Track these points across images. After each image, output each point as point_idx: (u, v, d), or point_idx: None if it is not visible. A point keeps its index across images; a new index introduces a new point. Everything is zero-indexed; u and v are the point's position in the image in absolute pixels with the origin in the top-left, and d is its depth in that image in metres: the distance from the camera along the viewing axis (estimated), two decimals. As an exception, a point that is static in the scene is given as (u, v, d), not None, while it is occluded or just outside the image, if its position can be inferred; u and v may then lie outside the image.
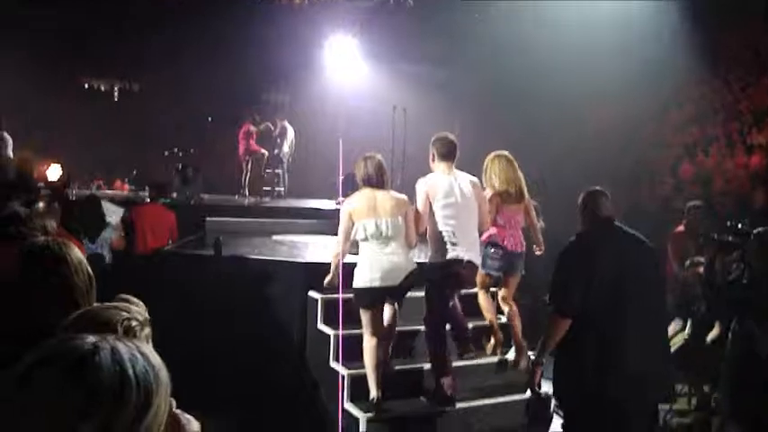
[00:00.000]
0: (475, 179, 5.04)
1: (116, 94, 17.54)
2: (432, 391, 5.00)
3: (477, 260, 4.94)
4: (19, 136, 11.22)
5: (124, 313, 1.67)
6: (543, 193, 8.45)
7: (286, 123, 11.78)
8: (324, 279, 4.91)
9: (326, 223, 8.25)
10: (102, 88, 17.67)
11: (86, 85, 17.37)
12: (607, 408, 3.50)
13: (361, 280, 4.70)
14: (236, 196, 11.21)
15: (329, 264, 4.92)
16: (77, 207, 7.25)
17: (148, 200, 8.11)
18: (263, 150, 11.67)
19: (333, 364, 5.22)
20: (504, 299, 5.55)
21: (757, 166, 11.01)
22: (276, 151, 11.59)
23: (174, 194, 9.49)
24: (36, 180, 9.30)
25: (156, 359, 1.00)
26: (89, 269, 2.27)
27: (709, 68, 13.02)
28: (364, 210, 4.66)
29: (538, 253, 5.65)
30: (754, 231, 5.01)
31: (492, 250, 5.30)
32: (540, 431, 4.98)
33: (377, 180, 4.76)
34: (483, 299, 5.50)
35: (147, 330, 1.73)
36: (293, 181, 11.97)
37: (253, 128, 11.67)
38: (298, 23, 12.57)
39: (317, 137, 13.44)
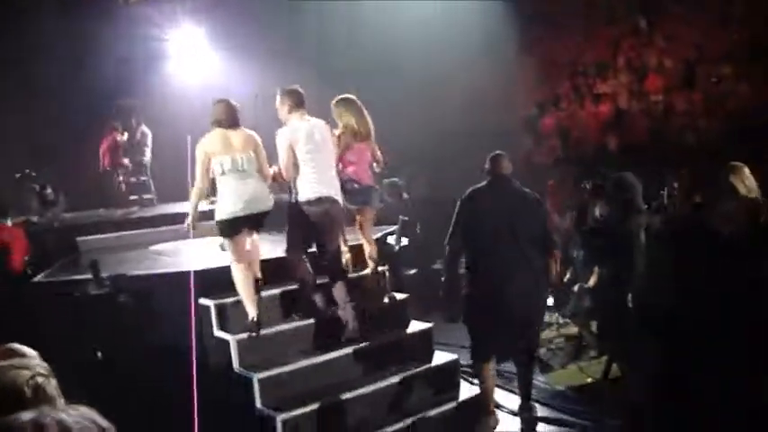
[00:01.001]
0: (323, 122, 5.52)
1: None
2: (304, 307, 5.58)
3: (338, 196, 5.43)
4: None
5: (25, 372, 1.51)
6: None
7: (144, 128, 11.33)
8: (212, 284, 4.92)
9: (203, 225, 8.00)
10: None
11: None
12: (486, 309, 5.03)
13: (224, 212, 5.14)
14: (101, 210, 10.65)
15: (216, 268, 4.92)
16: None
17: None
18: (126, 160, 11.17)
19: (237, 370, 5.16)
20: (362, 228, 6.01)
21: (606, 113, 11.80)
22: (140, 158, 11.15)
23: (35, 218, 8.88)
24: None
25: (103, 420, 0.92)
26: None
27: (550, 26, 13.66)
28: (219, 147, 5.11)
29: (378, 170, 6.09)
30: (610, 177, 5.40)
31: (349, 186, 5.72)
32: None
33: (227, 120, 5.21)
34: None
35: (54, 381, 1.60)
36: (159, 186, 11.53)
37: (120, 138, 11.12)
38: (137, 19, 12.02)
39: (177, 136, 12.89)
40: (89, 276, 6.00)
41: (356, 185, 5.76)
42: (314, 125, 5.39)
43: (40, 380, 1.50)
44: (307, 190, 5.28)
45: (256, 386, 4.98)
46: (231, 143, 5.15)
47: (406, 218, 6.78)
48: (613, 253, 5.17)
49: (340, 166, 5.72)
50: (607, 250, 5.23)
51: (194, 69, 12.49)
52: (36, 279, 6.56)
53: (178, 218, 9.07)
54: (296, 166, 5.29)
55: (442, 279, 5.46)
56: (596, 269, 5.96)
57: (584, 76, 12.80)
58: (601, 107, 12.04)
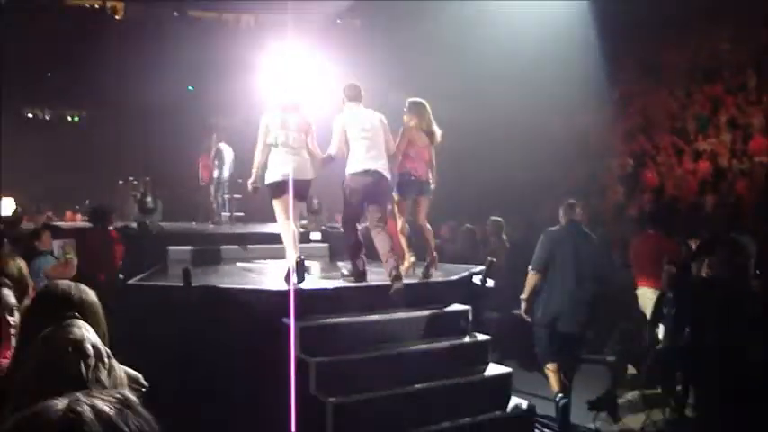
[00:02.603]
0: (381, 115, 6.36)
1: (62, 122, 17.16)
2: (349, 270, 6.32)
3: (386, 174, 6.20)
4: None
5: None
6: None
7: (221, 145, 11.59)
8: (299, 306, 4.98)
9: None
10: (47, 117, 17.27)
11: (29, 115, 16.97)
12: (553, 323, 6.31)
13: (273, 176, 6.08)
14: (193, 223, 11.02)
15: (300, 290, 5.01)
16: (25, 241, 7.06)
17: (92, 227, 7.98)
18: (213, 176, 11.53)
19: (314, 392, 5.17)
20: (418, 218, 6.74)
21: (704, 171, 11.40)
22: (218, 175, 11.43)
23: (134, 224, 9.28)
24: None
25: (143, 410, 0.87)
26: None
27: (654, 79, 13.44)
28: (278, 124, 6.13)
29: (432, 187, 6.76)
30: (718, 241, 5.20)
31: (406, 178, 6.51)
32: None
33: (289, 106, 6.25)
34: (400, 224, 6.78)
35: (115, 366, 1.63)
36: (250, 206, 11.85)
37: (208, 155, 11.52)
38: (241, 45, 12.54)
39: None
40: (180, 284, 6.19)
41: (413, 178, 6.52)
42: (365, 113, 6.31)
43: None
44: (355, 164, 6.12)
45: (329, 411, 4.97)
46: (288, 123, 6.16)
47: (494, 259, 6.72)
48: (721, 316, 4.93)
49: (400, 158, 6.47)
50: (714, 312, 5.00)
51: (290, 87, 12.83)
52: (130, 282, 6.81)
53: (266, 238, 9.37)
54: (347, 145, 6.18)
55: (522, 297, 6.53)
56: (690, 330, 5.71)
57: (684, 131, 12.46)
58: (700, 164, 11.65)
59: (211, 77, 13.48)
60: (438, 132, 6.68)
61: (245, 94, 13.02)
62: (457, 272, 6.99)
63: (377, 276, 6.33)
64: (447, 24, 13.52)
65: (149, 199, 9.62)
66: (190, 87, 15.79)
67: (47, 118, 17.31)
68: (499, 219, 9.35)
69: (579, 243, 6.39)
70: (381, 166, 6.17)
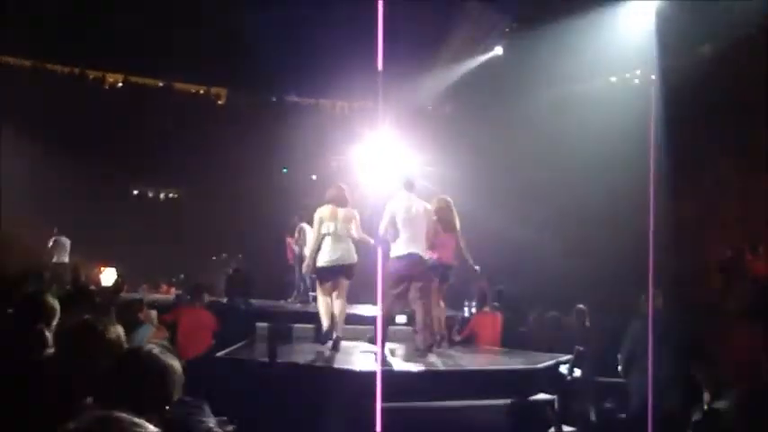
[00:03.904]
0: (427, 204, 7.25)
1: (162, 199, 18.14)
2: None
3: (424, 255, 6.93)
4: (74, 240, 11.59)
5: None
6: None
7: (303, 225, 11.57)
8: (390, 390, 4.96)
9: (369, 330, 8.19)
10: (150, 195, 18.31)
11: (135, 192, 18.04)
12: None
13: (322, 260, 7.06)
14: (282, 301, 11.24)
15: (386, 372, 5.01)
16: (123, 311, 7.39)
17: (189, 302, 8.31)
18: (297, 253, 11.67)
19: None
20: (436, 296, 7.57)
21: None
22: (298, 253, 11.51)
23: (225, 299, 9.58)
24: (90, 286, 9.52)
25: None
26: None
27: (752, 163, 12.98)
28: (327, 216, 7.09)
29: (477, 268, 7.92)
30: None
31: (431, 263, 7.18)
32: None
33: (337, 200, 7.19)
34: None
35: None
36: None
37: (293, 235, 11.73)
38: (336, 129, 13.05)
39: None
40: (266, 360, 6.31)
41: (436, 263, 7.27)
42: (413, 202, 7.08)
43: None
44: (400, 248, 6.86)
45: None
46: (337, 215, 7.08)
47: (582, 348, 6.53)
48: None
49: (429, 252, 7.11)
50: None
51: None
52: (219, 354, 6.99)
53: (354, 319, 9.44)
54: (395, 228, 6.88)
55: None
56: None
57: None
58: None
59: (305, 159, 13.99)
60: (458, 224, 7.66)
61: (334, 177, 13.44)
62: (542, 360, 6.81)
63: (461, 362, 6.26)
64: (536, 109, 13.67)
65: (239, 275, 9.94)
66: (284, 169, 16.52)
67: (149, 195, 18.31)
68: (583, 307, 9.09)
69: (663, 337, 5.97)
70: (421, 249, 6.94)
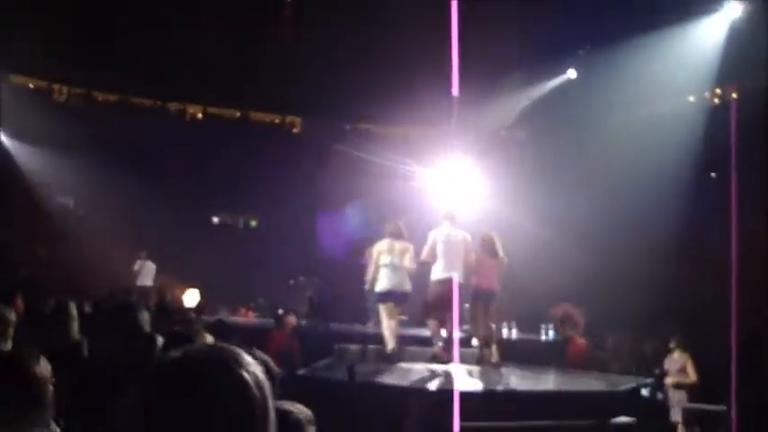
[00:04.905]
0: (467, 234, 8.07)
1: (241, 226, 18.72)
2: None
3: (460, 278, 7.61)
4: (159, 264, 12.10)
5: None
6: None
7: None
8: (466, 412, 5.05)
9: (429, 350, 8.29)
10: (229, 222, 18.91)
11: (215, 219, 18.68)
12: None
13: (379, 287, 8.02)
14: (357, 325, 11.39)
15: (463, 393, 5.09)
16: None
17: (275, 326, 8.60)
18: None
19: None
20: (489, 317, 8.28)
21: None
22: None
23: (304, 322, 9.83)
24: (174, 307, 9.92)
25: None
26: None
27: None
28: (385, 249, 8.03)
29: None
30: None
31: (475, 290, 8.17)
32: None
33: (394, 234, 8.12)
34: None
35: None
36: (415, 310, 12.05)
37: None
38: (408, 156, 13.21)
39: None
40: (345, 378, 6.46)
41: (480, 290, 8.11)
42: (453, 232, 7.96)
43: None
44: (438, 271, 7.79)
45: None
46: (394, 248, 7.98)
47: (659, 371, 6.41)
48: None
49: (473, 277, 8.04)
50: None
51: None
52: (299, 372, 7.20)
53: (424, 340, 9.52)
54: (435, 254, 7.80)
55: None
56: None
57: None
58: None
59: (376, 185, 14.20)
60: (503, 256, 8.27)
61: (405, 201, 13.62)
62: (623, 382, 6.70)
63: (540, 384, 6.23)
64: (611, 133, 13.49)
65: (317, 299, 10.20)
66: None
67: (228, 222, 18.91)
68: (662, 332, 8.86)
69: None
70: (456, 275, 7.60)
